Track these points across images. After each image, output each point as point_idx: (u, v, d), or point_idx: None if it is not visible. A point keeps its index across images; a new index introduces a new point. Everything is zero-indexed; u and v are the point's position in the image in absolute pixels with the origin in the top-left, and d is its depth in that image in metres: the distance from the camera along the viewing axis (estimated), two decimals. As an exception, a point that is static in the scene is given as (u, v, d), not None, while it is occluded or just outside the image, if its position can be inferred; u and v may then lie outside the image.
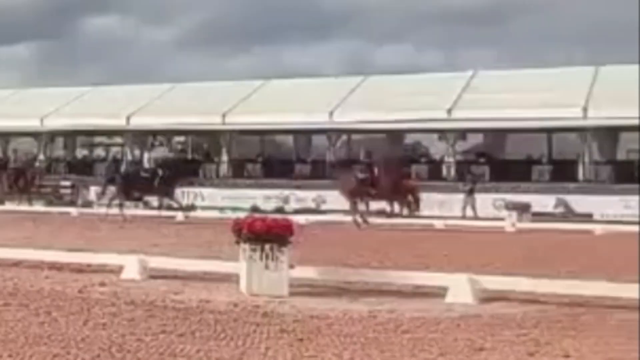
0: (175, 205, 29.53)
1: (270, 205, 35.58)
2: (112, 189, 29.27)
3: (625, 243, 20.63)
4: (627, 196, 32.47)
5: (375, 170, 26.54)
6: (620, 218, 28.75)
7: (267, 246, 10.68)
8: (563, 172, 36.66)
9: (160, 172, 28.55)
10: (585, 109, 36.06)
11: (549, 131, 39.50)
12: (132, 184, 28.91)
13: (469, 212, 32.44)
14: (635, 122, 34.72)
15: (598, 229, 24.42)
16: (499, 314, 9.54)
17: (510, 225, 24.70)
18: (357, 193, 26.30)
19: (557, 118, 36.02)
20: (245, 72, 74.18)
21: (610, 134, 38.41)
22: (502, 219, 25.72)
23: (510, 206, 27.01)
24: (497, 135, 41.55)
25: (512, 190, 31.41)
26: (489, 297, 10.39)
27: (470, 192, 33.57)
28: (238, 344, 7.70)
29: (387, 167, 27.19)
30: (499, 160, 40.06)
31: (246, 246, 10.76)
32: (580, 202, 32.31)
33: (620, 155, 39.44)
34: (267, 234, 10.69)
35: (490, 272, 12.22)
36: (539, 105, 36.00)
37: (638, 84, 34.45)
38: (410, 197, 26.93)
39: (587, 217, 30.30)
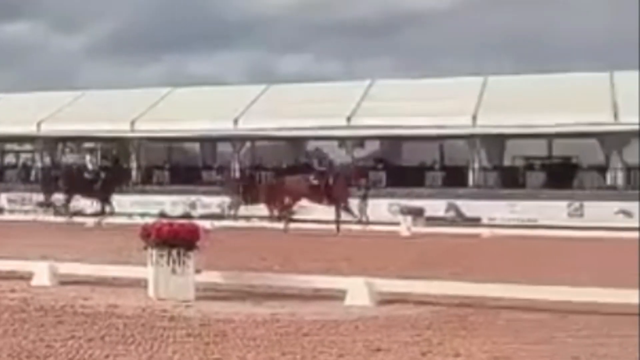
0: (107, 210, 29.13)
1: (178, 210, 35.28)
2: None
3: (511, 246, 21.05)
4: (513, 201, 33.12)
5: (330, 178, 26.48)
6: (507, 222, 29.27)
7: (174, 251, 10.61)
8: (454, 178, 37.18)
9: (102, 175, 28.24)
10: (474, 117, 36.61)
11: (441, 138, 39.98)
12: (75, 189, 28.51)
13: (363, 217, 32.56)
14: (520, 130, 35.50)
15: (486, 232, 24.78)
16: (395, 315, 9.63)
17: (406, 230, 24.89)
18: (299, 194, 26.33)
19: (449, 126, 36.51)
20: (153, 80, 73.50)
21: (497, 141, 39.10)
22: (397, 224, 25.94)
23: (405, 211, 27.18)
24: (394, 142, 41.92)
25: (407, 195, 31.80)
26: (385, 300, 10.47)
27: (364, 198, 33.75)
28: (146, 348, 7.63)
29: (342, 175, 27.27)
30: (395, 166, 40.43)
31: (154, 251, 10.67)
32: (469, 207, 32.79)
33: (507, 162, 40.19)
34: (174, 239, 10.62)
35: (386, 275, 12.32)
36: (432, 113, 36.41)
37: (524, 94, 35.29)
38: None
39: (476, 221, 30.74)
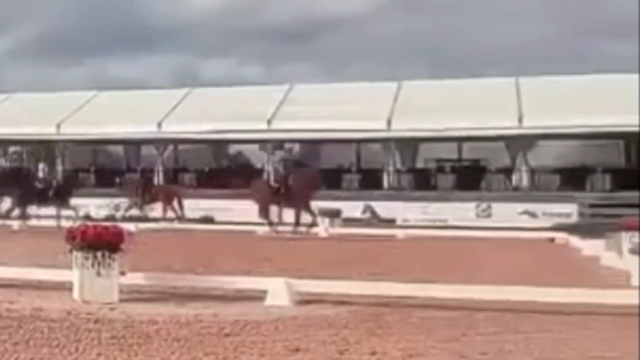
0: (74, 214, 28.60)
1: (102, 213, 34.80)
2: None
3: (424, 246, 21.25)
4: (425, 202, 33.44)
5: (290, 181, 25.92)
6: (420, 222, 29.52)
7: (98, 254, 10.45)
8: (370, 180, 37.43)
9: (55, 182, 27.77)
10: (389, 121, 36.89)
11: (358, 142, 40.21)
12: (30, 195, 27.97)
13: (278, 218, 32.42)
14: (432, 133, 35.92)
15: (400, 233, 24.97)
16: (313, 315, 9.62)
17: (324, 231, 24.95)
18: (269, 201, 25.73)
19: (365, 130, 36.75)
20: (77, 83, 72.34)
21: (410, 145, 39.48)
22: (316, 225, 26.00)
23: (323, 212, 27.27)
24: (312, 145, 42.03)
25: (324, 197, 31.89)
26: (304, 300, 10.45)
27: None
28: (71, 350, 7.51)
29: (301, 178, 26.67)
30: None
31: (79, 254, 10.49)
32: (384, 208, 32.98)
33: (420, 164, 40.60)
34: (98, 242, 10.47)
35: (305, 275, 12.31)
36: (348, 117, 36.59)
37: (436, 98, 35.71)
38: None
39: (391, 222, 30.93)
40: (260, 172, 39.54)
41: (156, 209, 31.38)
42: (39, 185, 28.66)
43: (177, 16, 72.08)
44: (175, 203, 30.86)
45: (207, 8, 72.83)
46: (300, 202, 25.70)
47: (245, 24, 75.11)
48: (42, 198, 28.31)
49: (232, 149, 44.51)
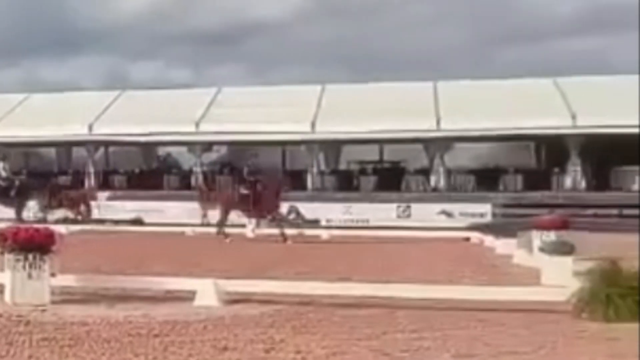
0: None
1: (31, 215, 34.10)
2: None
3: (347, 246, 21.33)
4: (348, 203, 33.56)
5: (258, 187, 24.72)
6: (343, 223, 29.57)
7: (30, 255, 10.27)
8: (295, 181, 37.38)
9: (16, 182, 27.12)
10: (313, 124, 36.98)
11: (284, 144, 40.21)
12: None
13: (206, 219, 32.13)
14: (355, 136, 36.13)
15: (324, 233, 24.94)
16: (241, 315, 9.59)
17: (251, 232, 24.82)
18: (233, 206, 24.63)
19: (290, 132, 36.79)
20: (10, 85, 70.96)
21: (334, 147, 39.64)
22: (243, 226, 25.85)
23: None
24: (240, 147, 41.89)
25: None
26: (232, 300, 10.43)
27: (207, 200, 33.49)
28: (2, 353, 7.37)
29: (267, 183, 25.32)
30: (241, 170, 40.33)
31: (10, 256, 10.31)
32: (309, 209, 32.97)
33: (343, 166, 40.78)
34: (30, 244, 10.29)
35: (233, 275, 12.29)
36: (274, 120, 36.59)
37: (358, 102, 35.95)
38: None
39: (315, 223, 30.91)
40: (189, 174, 39.40)
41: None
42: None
43: (106, 19, 71.11)
44: (82, 207, 30.52)
45: (135, 11, 72.03)
46: (268, 212, 24.72)
47: (173, 27, 74.38)
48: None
49: (162, 150, 44.12)
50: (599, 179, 35.36)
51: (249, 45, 76.50)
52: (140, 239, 23.73)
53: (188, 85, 51.30)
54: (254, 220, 25.09)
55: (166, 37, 74.22)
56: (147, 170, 41.50)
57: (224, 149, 43.15)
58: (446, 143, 37.00)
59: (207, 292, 10.42)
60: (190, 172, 39.49)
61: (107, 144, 40.81)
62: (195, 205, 31.62)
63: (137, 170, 40.93)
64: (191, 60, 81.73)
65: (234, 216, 25.18)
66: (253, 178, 25.22)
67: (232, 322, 9.13)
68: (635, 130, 32.09)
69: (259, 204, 24.18)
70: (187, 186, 37.90)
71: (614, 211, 31.50)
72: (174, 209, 28.88)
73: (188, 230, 26.11)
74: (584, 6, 67.42)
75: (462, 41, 68.05)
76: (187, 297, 10.46)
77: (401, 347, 7.77)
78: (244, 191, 24.85)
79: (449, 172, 37.22)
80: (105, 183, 38.68)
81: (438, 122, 35.86)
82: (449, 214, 31.78)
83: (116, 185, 38.79)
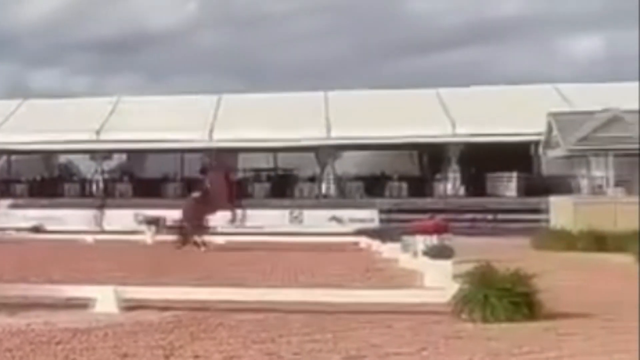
0: None
1: None
2: None
3: (242, 252, 21.16)
4: (242, 210, 33.30)
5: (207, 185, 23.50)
6: (238, 229, 29.03)
7: None
8: (192, 189, 36.92)
9: None
10: (210, 132, 36.79)
11: (182, 152, 39.85)
12: None
13: (100, 226, 31.58)
14: (250, 144, 36.13)
15: (219, 239, 23.98)
16: (140, 321, 9.46)
17: (150, 238, 24.44)
18: (194, 213, 22.79)
19: (188, 140, 36.50)
20: None
21: (231, 155, 39.46)
22: (143, 232, 25.44)
23: (147, 220, 26.57)
24: (139, 155, 41.35)
25: (150, 205, 31.21)
26: (131, 306, 10.26)
27: (101, 207, 33.00)
28: None
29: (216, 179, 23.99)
30: (140, 178, 39.88)
31: None
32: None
33: (239, 174, 40.51)
34: None
35: (133, 282, 12.11)
36: (173, 128, 36.25)
37: (253, 111, 35.90)
38: None
39: (211, 229, 30.27)
40: (90, 181, 38.64)
41: None
42: None
43: (5, 27, 69.12)
44: None
45: (35, 20, 70.09)
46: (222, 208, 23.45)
47: (73, 36, 72.83)
48: None
49: (64, 158, 43.13)
50: (476, 185, 36.21)
51: (147, 55, 75.55)
52: (41, 247, 23.06)
53: (89, 93, 50.32)
54: (153, 227, 24.69)
55: (66, 45, 72.73)
56: (49, 178, 40.52)
57: (124, 157, 42.49)
58: (336, 151, 37.30)
59: (107, 299, 10.24)
60: (91, 179, 38.75)
61: (9, 152, 39.66)
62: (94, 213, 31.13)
63: (38, 178, 39.89)
64: (91, 69, 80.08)
65: (133, 223, 24.75)
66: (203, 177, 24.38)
67: (131, 328, 9.00)
68: (510, 139, 33.02)
69: (212, 203, 23.02)
70: (88, 194, 37.19)
71: (490, 216, 32.26)
72: (74, 216, 28.19)
73: (88, 237, 25.52)
74: (464, 20, 69.03)
75: (351, 53, 68.92)
76: (88, 304, 10.26)
77: (294, 349, 7.80)
78: (196, 194, 23.82)
79: (339, 179, 37.51)
80: (6, 191, 37.55)
81: (328, 131, 36.11)
82: (339, 220, 32.00)
83: (17, 194, 37.70)
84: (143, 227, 25.54)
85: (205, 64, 70.08)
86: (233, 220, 24.16)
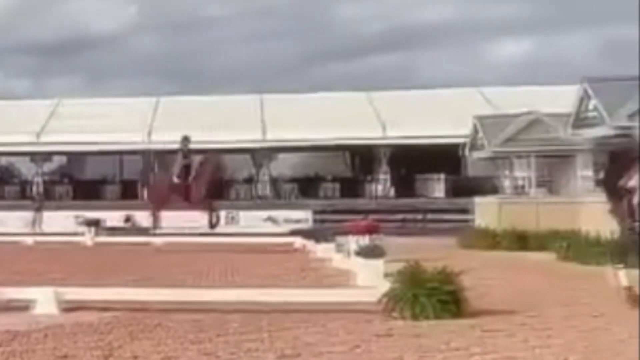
0: None
1: None
2: None
3: (180, 253, 21.00)
4: (178, 211, 32.94)
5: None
6: (175, 230, 28.83)
7: None
8: (131, 191, 36.60)
9: None
10: (149, 134, 36.46)
11: (120, 154, 39.41)
12: None
13: (38, 228, 31.00)
14: (196, 145, 35.83)
15: (158, 241, 24.02)
16: (80, 322, 9.30)
17: (89, 240, 24.05)
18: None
19: (127, 142, 36.12)
20: None
21: (169, 157, 39.04)
22: (83, 234, 25.01)
23: (87, 222, 26.12)
24: (79, 157, 40.76)
25: (90, 207, 30.75)
26: (71, 307, 10.09)
27: (39, 209, 32.44)
28: None
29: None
30: (80, 180, 39.31)
31: None
32: (143, 218, 32.10)
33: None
34: None
35: (72, 283, 11.92)
36: (112, 130, 35.84)
37: (190, 113, 35.65)
38: None
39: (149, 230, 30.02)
40: (30, 183, 37.92)
41: None
42: None
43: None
44: None
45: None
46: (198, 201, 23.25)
47: (12, 39, 71.41)
48: None
49: (4, 160, 42.26)
50: (406, 186, 36.55)
51: (87, 58, 74.53)
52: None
53: (29, 96, 49.41)
54: (93, 229, 24.33)
55: (5, 48, 71.26)
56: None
57: (64, 159, 41.85)
58: (271, 153, 37.28)
59: (47, 300, 10.07)
60: (31, 182, 38.03)
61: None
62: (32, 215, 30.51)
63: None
64: (31, 72, 78.66)
65: (73, 225, 24.37)
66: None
67: (71, 329, 8.85)
68: (438, 141, 33.41)
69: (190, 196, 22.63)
70: (29, 196, 36.50)
71: (419, 216, 32.58)
72: (13, 218, 27.59)
73: (28, 239, 24.98)
74: (393, 26, 69.74)
75: (286, 57, 69.00)
76: (27, 306, 10.07)
77: (231, 349, 7.76)
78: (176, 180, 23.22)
79: (274, 181, 37.48)
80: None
81: (264, 133, 36.07)
82: (274, 220, 31.98)
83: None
84: (83, 229, 25.13)
85: (144, 67, 69.48)
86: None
